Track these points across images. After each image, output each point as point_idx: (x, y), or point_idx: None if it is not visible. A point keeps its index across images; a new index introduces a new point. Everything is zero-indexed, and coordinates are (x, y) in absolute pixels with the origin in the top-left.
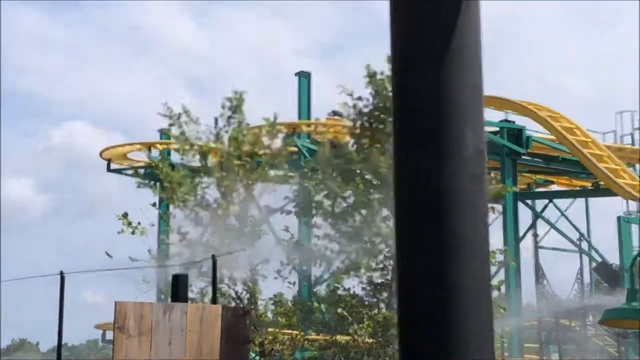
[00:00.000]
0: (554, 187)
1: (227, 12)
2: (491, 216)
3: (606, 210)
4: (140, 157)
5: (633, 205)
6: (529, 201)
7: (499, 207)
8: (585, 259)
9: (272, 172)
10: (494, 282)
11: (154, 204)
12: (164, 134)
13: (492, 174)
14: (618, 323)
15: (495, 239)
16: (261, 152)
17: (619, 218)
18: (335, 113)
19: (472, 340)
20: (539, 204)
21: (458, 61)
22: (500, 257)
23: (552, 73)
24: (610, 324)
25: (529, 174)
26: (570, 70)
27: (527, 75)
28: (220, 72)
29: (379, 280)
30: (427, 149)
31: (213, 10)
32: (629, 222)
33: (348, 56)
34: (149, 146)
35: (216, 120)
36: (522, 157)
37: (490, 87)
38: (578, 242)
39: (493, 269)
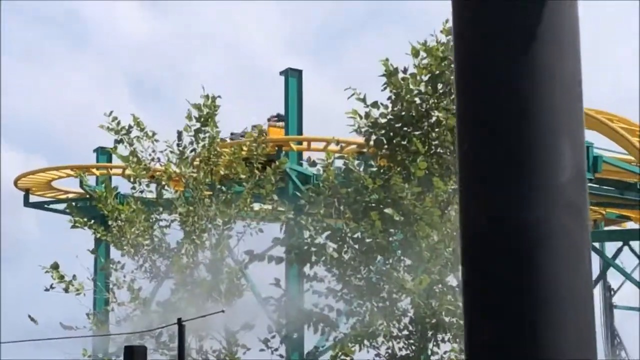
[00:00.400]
0: (630, 225)
1: None
2: None
3: None
4: (71, 186)
5: None
6: (596, 244)
7: None
8: None
9: (256, 206)
10: None
11: (93, 250)
12: (106, 153)
13: None
14: None
15: None
16: (243, 177)
17: None
18: (278, 117)
19: None
20: (610, 247)
21: (551, 51)
22: None
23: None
24: None
25: (597, 207)
26: None
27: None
28: (183, 71)
29: (404, 352)
30: (506, 171)
31: None
32: None
33: (347, 49)
34: (82, 171)
35: (179, 134)
36: (589, 184)
37: None
38: None
39: None
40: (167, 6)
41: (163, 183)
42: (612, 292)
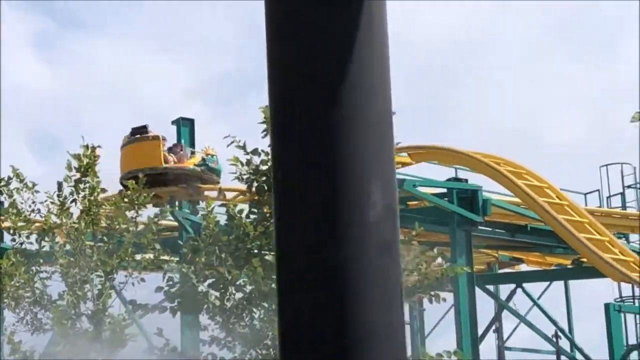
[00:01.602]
0: (523, 267)
1: (79, 40)
2: (437, 307)
3: (594, 296)
4: None
5: (628, 289)
6: (490, 286)
7: (446, 295)
8: None
9: (138, 256)
10: None
11: None
12: None
13: (435, 250)
14: None
15: (447, 338)
16: (124, 227)
17: (607, 306)
18: (137, 131)
19: None
20: (504, 289)
21: (360, 94)
22: None
23: (530, 117)
24: None
25: (490, 250)
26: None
27: (492, 118)
28: (83, 121)
29: None
30: (317, 210)
31: (62, 40)
32: (621, 311)
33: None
34: None
35: (59, 185)
36: (479, 227)
37: (443, 134)
38: (555, 340)
39: None
40: (65, 54)
41: (43, 234)
42: (500, 334)
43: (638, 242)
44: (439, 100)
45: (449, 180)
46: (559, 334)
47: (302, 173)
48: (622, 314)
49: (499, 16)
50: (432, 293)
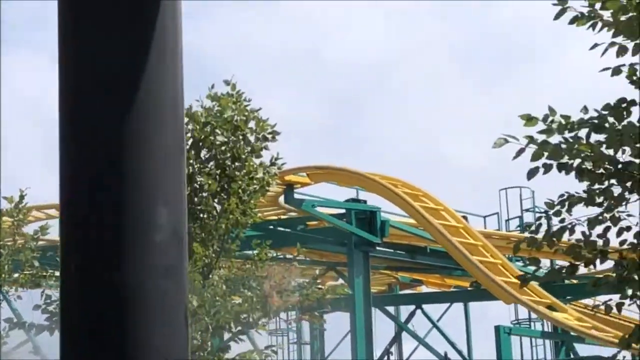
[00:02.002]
0: (424, 289)
1: None
2: (341, 327)
3: (496, 318)
4: None
5: (524, 311)
6: (391, 308)
7: (337, 315)
8: None
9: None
10: None
11: None
12: None
13: (321, 270)
14: None
15: (348, 358)
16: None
17: (497, 328)
18: None
19: None
20: (404, 311)
21: (148, 113)
22: None
23: (436, 140)
24: None
25: (390, 271)
26: (459, 136)
27: (398, 140)
28: None
29: None
30: (101, 231)
31: None
32: (511, 333)
33: None
34: None
35: None
36: (380, 248)
37: (349, 155)
38: None
39: None
40: None
41: None
42: (391, 355)
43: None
44: (349, 121)
45: (347, 201)
46: (456, 354)
47: (89, 194)
48: (519, 337)
49: (410, 39)
50: (310, 314)
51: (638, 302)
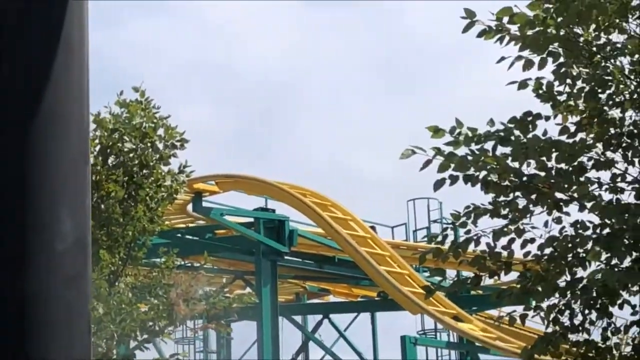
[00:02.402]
0: (331, 298)
1: None
2: (248, 336)
3: (404, 328)
4: None
5: (430, 321)
6: (297, 317)
7: (244, 324)
8: None
9: None
10: None
11: None
12: None
13: (228, 278)
14: None
15: None
16: None
17: (403, 338)
18: None
19: None
20: (311, 320)
21: (51, 127)
22: None
23: (346, 152)
24: None
25: (298, 281)
26: (368, 148)
27: (310, 151)
28: None
29: None
30: (4, 240)
31: None
32: (417, 343)
33: None
34: None
35: None
36: (287, 257)
37: (255, 167)
38: None
39: None
40: None
41: None
42: None
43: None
44: (260, 131)
45: (256, 209)
46: None
47: None
48: (424, 347)
49: (323, 48)
50: (216, 323)
51: (541, 313)
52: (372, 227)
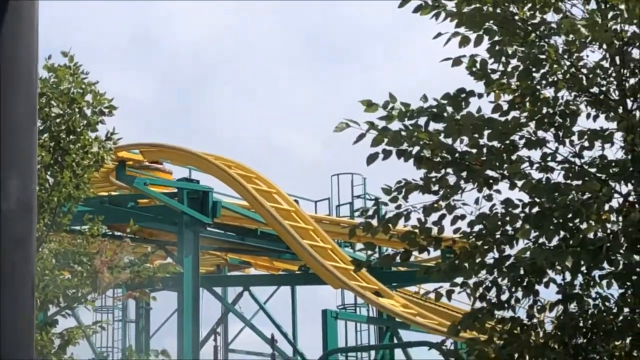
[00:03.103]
0: (252, 271)
1: None
2: (167, 306)
3: (325, 302)
4: None
5: (351, 296)
6: (218, 289)
7: (164, 294)
8: None
9: None
10: None
11: None
12: None
13: (151, 248)
14: None
15: (174, 338)
16: None
17: (324, 312)
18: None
19: None
20: (231, 292)
21: (7, 95)
22: None
23: (274, 126)
24: None
25: (219, 252)
26: (295, 123)
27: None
28: None
29: None
30: None
31: None
32: (338, 317)
33: None
34: None
35: None
36: (209, 228)
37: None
38: (273, 342)
39: None
40: None
41: None
42: (215, 335)
43: (364, 252)
44: (188, 106)
45: (180, 180)
46: (282, 337)
47: None
48: (344, 321)
49: (255, 24)
50: (140, 292)
51: (468, 290)
52: (296, 201)
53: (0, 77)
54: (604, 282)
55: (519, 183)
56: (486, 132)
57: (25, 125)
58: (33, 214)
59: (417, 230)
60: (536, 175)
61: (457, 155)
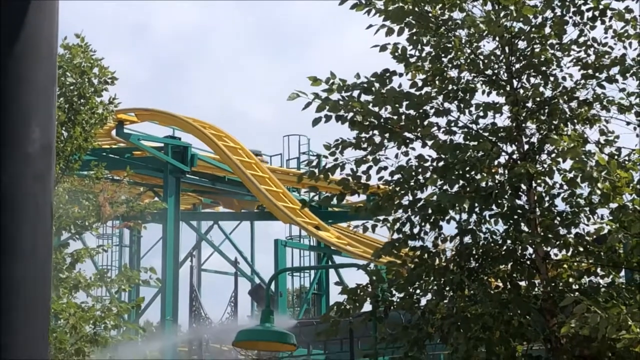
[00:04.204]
0: (221, 209)
1: None
2: (153, 234)
3: (275, 233)
4: None
5: (296, 230)
6: (194, 222)
7: (151, 226)
8: (246, 282)
9: None
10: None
11: None
12: None
13: (142, 189)
14: (252, 345)
15: (158, 260)
16: None
17: (276, 241)
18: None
19: (25, 345)
20: (204, 225)
21: (26, 55)
22: (145, 276)
23: (238, 97)
24: (243, 345)
25: (195, 194)
26: (255, 95)
27: (209, 95)
28: None
29: None
30: None
31: None
32: (286, 245)
33: None
34: None
35: None
36: (187, 175)
37: (169, 102)
38: (236, 264)
39: (149, 291)
40: None
41: None
42: (194, 258)
43: (308, 195)
44: (173, 80)
45: (166, 137)
46: (243, 261)
47: None
48: (291, 249)
49: (223, 19)
50: (134, 222)
51: (387, 225)
52: (258, 154)
53: (26, 48)
54: (492, 220)
55: (429, 143)
56: (405, 103)
57: (46, 86)
58: (52, 156)
59: (350, 178)
60: (442, 137)
61: (382, 120)
